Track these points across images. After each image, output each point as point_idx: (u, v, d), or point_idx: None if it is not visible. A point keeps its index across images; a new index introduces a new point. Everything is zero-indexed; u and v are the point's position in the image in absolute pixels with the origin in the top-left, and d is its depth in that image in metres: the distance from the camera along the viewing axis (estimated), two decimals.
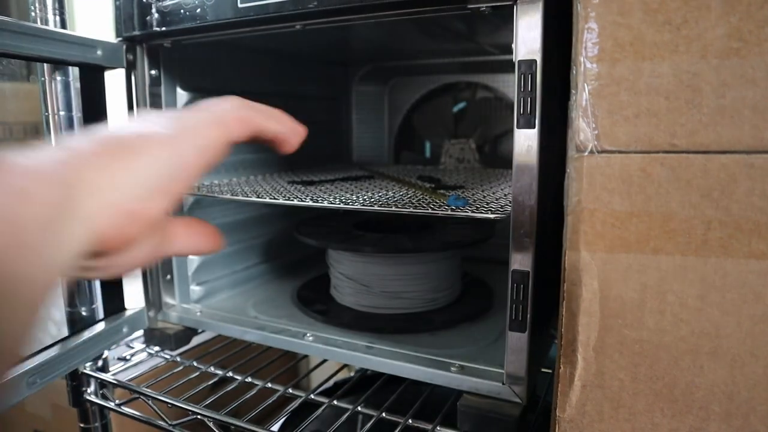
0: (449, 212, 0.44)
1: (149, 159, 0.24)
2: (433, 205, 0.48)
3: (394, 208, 0.47)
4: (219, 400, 0.52)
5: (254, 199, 0.54)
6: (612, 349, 0.34)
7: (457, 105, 0.93)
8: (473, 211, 0.44)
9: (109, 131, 0.25)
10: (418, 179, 0.69)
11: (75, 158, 0.22)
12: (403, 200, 0.51)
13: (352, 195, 0.55)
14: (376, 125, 1.00)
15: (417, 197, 0.53)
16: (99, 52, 0.53)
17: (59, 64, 0.53)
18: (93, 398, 0.60)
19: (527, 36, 0.38)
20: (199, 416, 0.50)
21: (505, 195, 0.53)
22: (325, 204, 0.50)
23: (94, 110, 0.56)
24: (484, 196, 0.53)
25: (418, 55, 0.90)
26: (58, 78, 0.53)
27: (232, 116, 0.29)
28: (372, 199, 0.52)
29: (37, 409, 1.04)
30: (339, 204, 0.50)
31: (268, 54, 0.77)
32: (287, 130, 0.32)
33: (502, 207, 0.45)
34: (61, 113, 0.54)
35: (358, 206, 0.48)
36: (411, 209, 0.47)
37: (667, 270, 0.32)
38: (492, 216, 0.42)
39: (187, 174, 0.26)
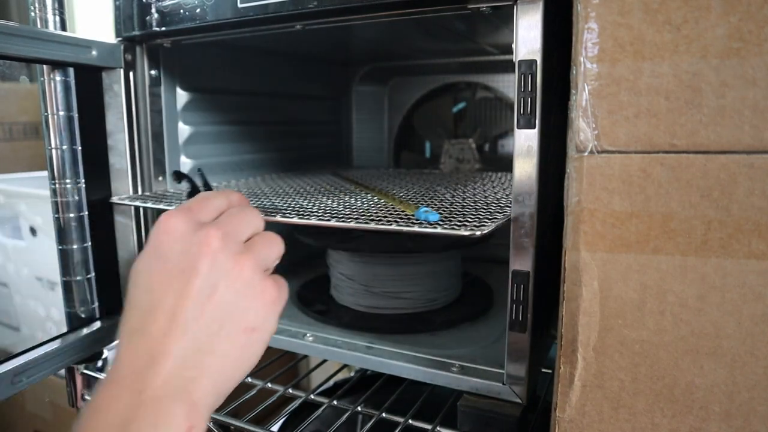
0: (416, 229, 0.39)
1: (249, 361, 0.36)
2: (399, 219, 0.42)
3: (353, 223, 0.41)
4: None
5: None
6: (612, 349, 0.34)
7: (457, 105, 0.93)
8: (444, 228, 0.39)
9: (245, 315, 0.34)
10: None
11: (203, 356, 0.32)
12: (368, 211, 0.46)
13: (308, 203, 0.51)
14: (376, 125, 1.00)
15: (382, 207, 0.48)
16: (94, 53, 0.52)
17: (52, 65, 0.53)
18: None
19: (527, 36, 0.38)
20: None
21: (487, 206, 0.49)
22: (278, 218, 0.44)
23: (91, 111, 0.56)
24: (464, 206, 0.48)
25: (418, 55, 0.90)
26: (58, 78, 0.53)
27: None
28: (330, 209, 0.47)
29: (37, 409, 1.05)
30: (294, 217, 0.45)
31: (268, 54, 0.77)
32: None
33: (480, 221, 0.41)
34: (61, 113, 0.54)
35: (315, 221, 0.43)
36: (372, 223, 0.41)
37: (667, 270, 0.32)
38: (466, 233, 0.38)
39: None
